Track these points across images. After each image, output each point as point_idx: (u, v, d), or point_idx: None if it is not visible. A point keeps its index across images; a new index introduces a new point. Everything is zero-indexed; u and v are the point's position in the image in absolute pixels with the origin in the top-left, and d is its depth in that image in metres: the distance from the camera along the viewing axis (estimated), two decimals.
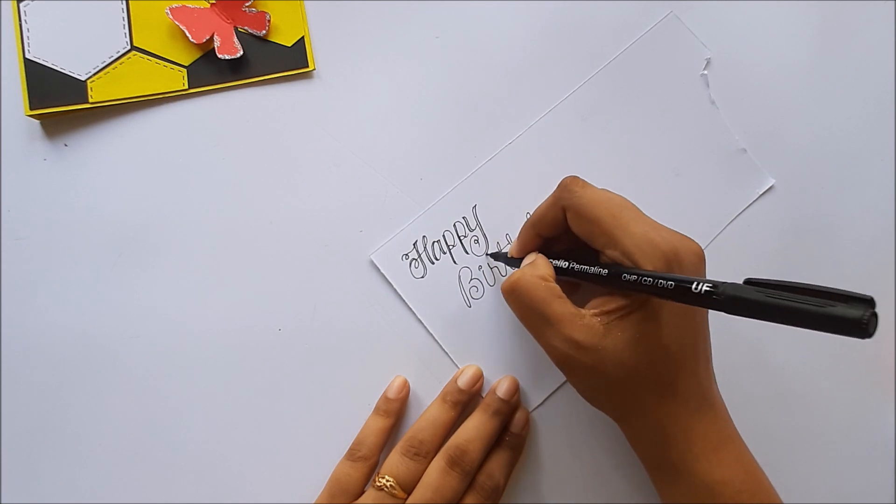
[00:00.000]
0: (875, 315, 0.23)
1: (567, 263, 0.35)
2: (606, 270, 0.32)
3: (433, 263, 0.40)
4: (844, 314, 0.23)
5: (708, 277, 0.32)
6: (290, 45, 0.40)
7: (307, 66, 0.40)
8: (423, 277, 0.40)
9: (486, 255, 0.40)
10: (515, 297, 0.34)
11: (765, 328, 0.42)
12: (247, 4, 0.40)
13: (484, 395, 0.39)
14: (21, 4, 0.38)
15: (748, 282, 0.27)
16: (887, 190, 0.44)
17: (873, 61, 0.45)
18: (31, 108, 0.37)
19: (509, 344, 0.40)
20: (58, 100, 0.38)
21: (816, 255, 0.43)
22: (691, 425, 0.32)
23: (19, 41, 0.38)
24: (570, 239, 0.35)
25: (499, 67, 0.42)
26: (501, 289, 0.35)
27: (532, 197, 0.41)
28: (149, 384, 0.38)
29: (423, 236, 0.40)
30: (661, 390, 0.32)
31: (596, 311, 0.32)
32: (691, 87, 0.43)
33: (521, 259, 0.37)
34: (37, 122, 0.38)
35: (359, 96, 0.41)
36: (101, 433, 0.37)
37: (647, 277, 0.30)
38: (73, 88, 0.38)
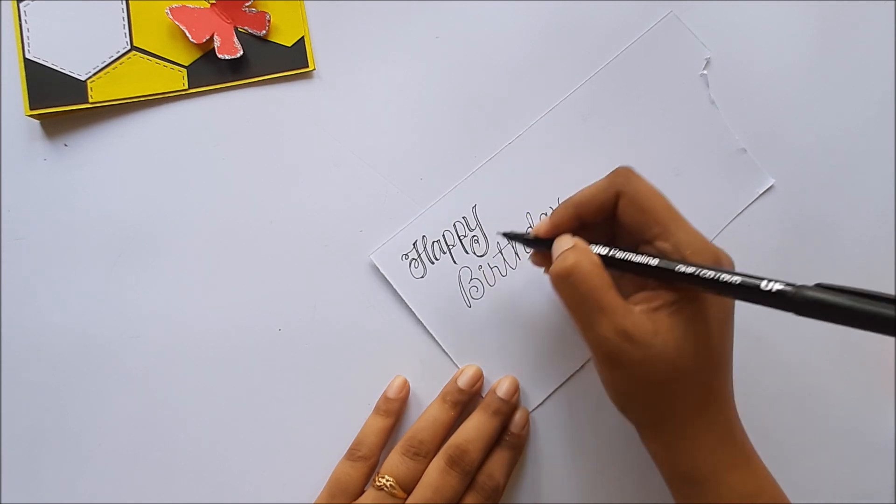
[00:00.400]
0: None
1: (608, 250, 0.32)
2: (656, 261, 0.31)
3: (433, 263, 0.40)
4: None
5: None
6: (290, 45, 0.40)
7: (307, 66, 0.40)
8: (422, 277, 0.40)
9: (499, 233, 0.38)
10: (570, 282, 0.31)
11: (763, 329, 0.42)
12: (247, 4, 0.40)
13: (484, 395, 0.39)
14: (21, 4, 0.38)
15: (819, 285, 0.26)
16: (887, 190, 0.44)
17: (873, 61, 0.45)
18: (31, 108, 0.37)
19: (509, 344, 0.40)
20: (58, 100, 0.38)
21: (816, 254, 0.43)
22: (726, 437, 0.31)
23: (19, 41, 0.38)
24: (602, 232, 0.34)
25: (499, 67, 0.42)
26: (552, 273, 0.32)
27: (532, 197, 0.41)
28: (148, 384, 0.38)
29: (423, 236, 0.40)
30: (701, 396, 0.31)
31: (643, 306, 0.31)
32: (691, 86, 0.43)
33: (547, 241, 0.34)
34: (37, 122, 0.38)
35: (359, 96, 0.41)
36: (100, 433, 0.37)
37: (708, 270, 0.29)
38: (73, 88, 0.38)
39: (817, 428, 0.42)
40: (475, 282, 0.40)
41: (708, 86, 0.43)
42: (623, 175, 0.33)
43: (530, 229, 0.41)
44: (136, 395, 0.37)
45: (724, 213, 0.43)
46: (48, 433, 0.37)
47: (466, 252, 0.40)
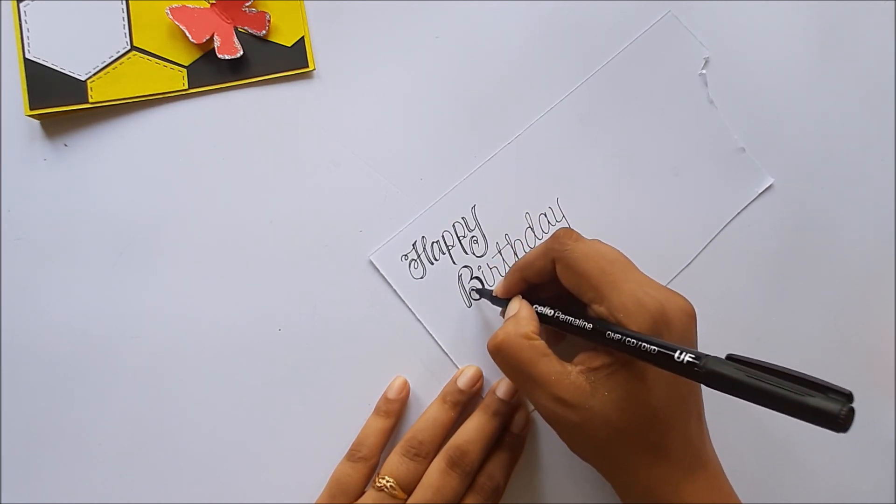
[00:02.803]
0: (852, 410, 0.23)
1: (552, 312, 0.34)
2: (591, 325, 0.32)
3: (432, 264, 0.40)
4: (821, 406, 0.23)
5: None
6: (290, 45, 0.40)
7: (307, 66, 0.40)
8: (422, 278, 0.40)
9: (472, 290, 0.40)
10: (501, 357, 0.33)
11: (764, 329, 0.42)
12: (247, 4, 0.40)
13: (484, 395, 0.39)
14: (21, 4, 0.38)
15: (731, 357, 0.27)
16: (887, 190, 0.44)
17: (873, 61, 0.45)
18: (31, 108, 0.37)
19: None
20: (58, 100, 0.38)
21: (815, 254, 0.43)
22: (682, 487, 0.31)
23: (19, 41, 0.38)
24: (558, 286, 0.35)
25: (498, 67, 0.42)
26: (487, 347, 0.34)
27: (531, 197, 0.41)
28: (148, 384, 0.38)
29: (423, 237, 0.40)
30: (650, 452, 0.31)
31: (582, 367, 0.32)
32: (690, 86, 0.43)
33: (506, 300, 0.37)
34: (37, 122, 0.38)
35: (359, 96, 0.41)
36: (101, 433, 0.37)
37: (631, 339, 0.30)
38: (73, 88, 0.38)
39: (817, 428, 0.42)
40: (475, 282, 0.40)
41: (706, 85, 0.43)
42: (559, 240, 0.34)
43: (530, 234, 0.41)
44: (137, 395, 0.37)
45: (722, 212, 0.43)
46: (48, 433, 0.37)
47: (466, 252, 0.40)
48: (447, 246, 0.40)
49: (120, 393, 0.37)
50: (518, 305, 0.35)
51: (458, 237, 0.40)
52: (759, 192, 0.43)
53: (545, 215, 0.41)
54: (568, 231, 0.34)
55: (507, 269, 0.40)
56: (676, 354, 0.28)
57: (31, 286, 0.38)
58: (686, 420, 0.32)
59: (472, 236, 0.40)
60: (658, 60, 0.43)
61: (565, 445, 0.40)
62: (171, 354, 0.38)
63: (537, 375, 0.32)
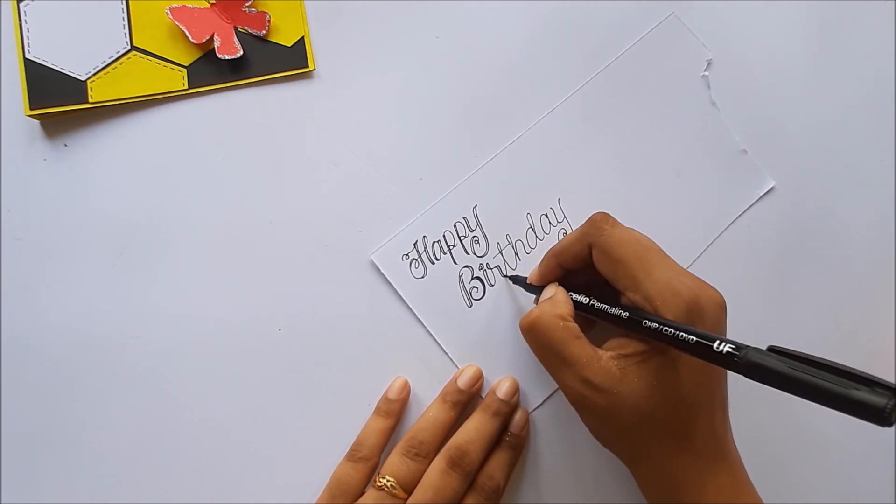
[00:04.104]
0: None
1: (587, 299, 0.34)
2: (627, 313, 0.32)
3: (433, 263, 0.40)
4: (867, 400, 0.23)
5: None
6: (290, 45, 0.40)
7: (307, 66, 0.40)
8: (423, 277, 0.40)
9: (506, 277, 0.40)
10: (534, 335, 0.34)
11: (763, 328, 0.42)
12: (247, 4, 0.40)
13: (484, 395, 0.39)
14: (21, 4, 0.38)
15: (772, 349, 0.27)
16: (887, 190, 0.44)
17: (873, 62, 0.45)
18: (31, 108, 0.37)
19: (509, 344, 0.40)
20: (58, 100, 0.38)
21: (817, 255, 0.43)
22: (705, 477, 0.32)
23: (19, 41, 0.38)
24: (593, 273, 0.35)
25: (499, 67, 0.42)
26: (520, 325, 0.35)
27: (533, 197, 0.41)
28: (149, 384, 0.38)
29: (424, 236, 0.40)
30: (675, 439, 0.31)
31: (613, 353, 0.32)
32: (692, 88, 0.43)
33: (541, 287, 0.37)
34: (37, 122, 0.38)
35: (359, 96, 0.41)
36: (101, 433, 0.37)
37: (669, 328, 0.29)
38: (73, 88, 0.38)
39: (817, 428, 0.42)
40: (475, 282, 0.40)
41: (709, 87, 0.43)
42: (596, 224, 0.34)
43: (531, 235, 0.41)
44: (137, 395, 0.37)
45: (724, 214, 0.43)
46: (48, 433, 0.37)
47: (467, 252, 0.40)
48: (448, 246, 0.40)
49: (120, 393, 0.37)
50: (554, 290, 0.36)
51: (460, 237, 0.40)
52: (761, 194, 0.43)
53: (546, 216, 0.41)
54: (605, 216, 0.34)
55: (508, 269, 0.40)
56: (716, 345, 0.28)
57: (31, 286, 0.38)
58: (712, 410, 0.32)
59: (474, 236, 0.40)
60: (661, 62, 0.43)
61: (565, 445, 0.40)
62: (171, 354, 0.38)
63: (568, 356, 0.32)
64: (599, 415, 0.32)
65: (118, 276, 0.38)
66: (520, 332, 0.39)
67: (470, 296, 0.40)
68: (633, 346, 0.32)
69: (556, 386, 0.40)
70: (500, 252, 0.40)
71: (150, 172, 0.39)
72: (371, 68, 0.41)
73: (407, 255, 0.40)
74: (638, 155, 0.42)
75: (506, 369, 0.39)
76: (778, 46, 0.44)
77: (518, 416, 0.38)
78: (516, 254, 0.40)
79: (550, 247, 0.37)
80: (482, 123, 0.41)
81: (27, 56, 0.38)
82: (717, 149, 0.43)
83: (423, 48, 0.42)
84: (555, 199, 0.41)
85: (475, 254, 0.40)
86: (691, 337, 0.29)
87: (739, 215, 0.43)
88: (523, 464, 0.39)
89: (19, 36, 0.38)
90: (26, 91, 0.37)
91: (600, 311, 0.33)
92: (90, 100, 0.38)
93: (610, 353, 0.32)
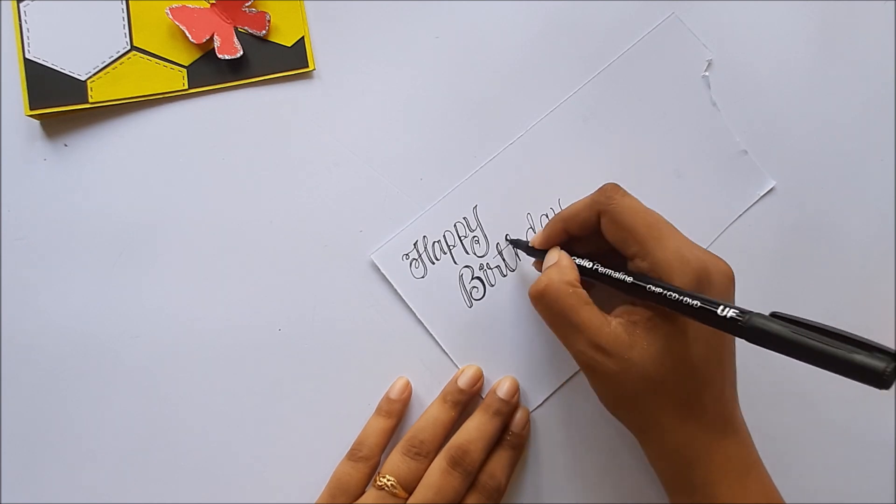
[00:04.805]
0: None
1: (591, 264, 0.34)
2: (631, 278, 0.32)
3: (433, 263, 0.40)
4: (866, 363, 0.23)
5: (736, 298, 0.32)
6: (290, 45, 0.40)
7: (307, 66, 0.40)
8: (423, 277, 0.40)
9: (507, 238, 0.40)
10: (544, 303, 0.34)
11: None
12: (247, 4, 0.40)
13: (484, 395, 0.39)
14: (21, 4, 0.38)
15: (774, 314, 0.27)
16: (887, 191, 0.44)
17: (874, 62, 0.45)
18: (31, 108, 0.37)
19: (510, 344, 0.40)
20: (58, 100, 0.38)
21: (817, 256, 0.43)
22: (715, 448, 0.32)
23: (19, 41, 0.38)
24: (594, 243, 0.35)
25: (500, 68, 0.42)
26: (529, 294, 0.34)
27: (533, 198, 0.41)
28: (148, 384, 0.38)
29: (424, 236, 0.40)
30: (685, 409, 0.31)
31: (622, 319, 0.32)
32: (693, 88, 0.43)
33: (542, 251, 0.37)
34: (37, 122, 0.38)
35: (359, 96, 0.41)
36: (100, 433, 0.37)
37: (673, 292, 0.30)
38: (73, 88, 0.38)
39: (817, 428, 0.42)
40: (476, 282, 0.40)
41: (709, 87, 0.43)
42: (606, 193, 0.34)
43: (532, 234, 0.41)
44: (137, 395, 0.37)
45: (724, 214, 0.43)
46: (48, 433, 0.37)
47: (467, 252, 0.40)
48: (448, 246, 0.40)
49: (119, 393, 0.37)
50: (558, 255, 0.35)
51: (460, 237, 0.40)
52: (761, 194, 0.43)
53: (546, 216, 0.41)
54: (615, 186, 0.34)
55: (508, 269, 0.40)
56: (720, 309, 0.28)
57: (31, 286, 0.38)
58: (722, 381, 0.32)
59: (474, 236, 0.40)
60: (661, 62, 0.43)
61: (565, 445, 0.40)
62: (170, 354, 0.38)
63: (579, 322, 0.32)
64: (610, 380, 0.32)
65: (118, 276, 0.38)
66: (518, 330, 0.39)
67: (470, 296, 0.40)
68: (639, 312, 0.32)
69: (557, 385, 0.40)
70: (500, 252, 0.40)
71: (149, 172, 0.39)
72: (371, 68, 0.41)
73: (407, 255, 0.40)
74: (638, 155, 0.42)
75: (506, 369, 0.39)
76: (778, 47, 0.44)
77: (519, 416, 0.38)
78: (516, 254, 0.40)
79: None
80: (482, 123, 0.41)
81: (27, 56, 0.38)
82: (718, 149, 0.43)
83: (423, 48, 0.42)
84: (555, 200, 0.41)
85: (475, 254, 0.40)
86: (695, 301, 0.29)
87: (740, 215, 0.43)
88: (524, 463, 0.39)
89: (19, 36, 0.38)
90: (26, 91, 0.37)
91: (604, 275, 0.33)
92: (90, 100, 0.38)
93: (618, 320, 0.32)
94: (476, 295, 0.40)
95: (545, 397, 0.40)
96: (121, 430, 0.37)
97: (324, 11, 0.41)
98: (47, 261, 0.38)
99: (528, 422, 0.39)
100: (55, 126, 0.39)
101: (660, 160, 0.42)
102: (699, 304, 0.29)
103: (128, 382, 0.37)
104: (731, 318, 0.27)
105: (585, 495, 0.40)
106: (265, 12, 0.40)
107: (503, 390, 0.38)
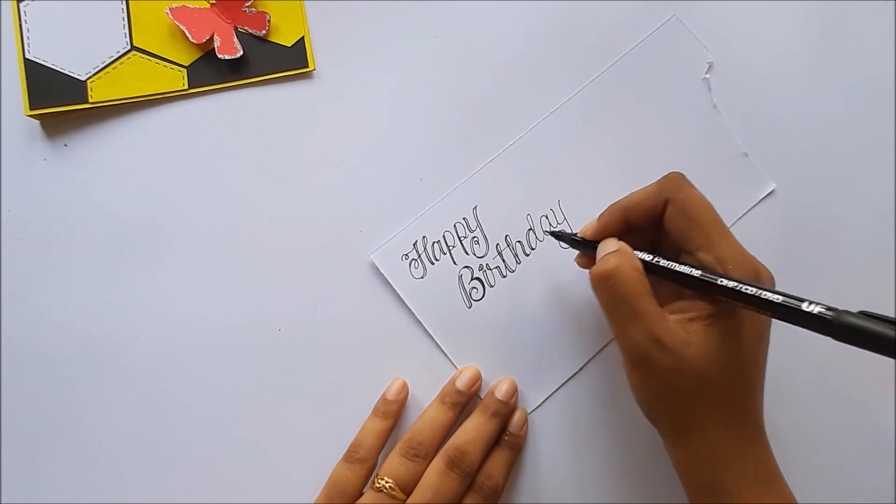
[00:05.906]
0: None
1: (651, 257, 0.33)
2: (699, 272, 0.31)
3: (433, 264, 0.40)
4: None
5: None
6: (290, 45, 0.40)
7: (307, 66, 0.40)
8: (422, 278, 0.40)
9: (547, 233, 0.39)
10: (609, 285, 0.32)
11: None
12: (247, 4, 0.40)
13: (482, 396, 0.39)
14: (21, 4, 0.38)
15: (864, 313, 0.26)
16: (887, 192, 0.44)
17: (874, 63, 0.45)
18: (31, 108, 0.37)
19: (508, 345, 0.40)
20: (58, 100, 0.38)
21: (817, 258, 0.43)
22: (749, 453, 0.31)
23: (19, 41, 0.38)
24: (647, 237, 0.34)
25: (500, 68, 0.42)
26: (593, 274, 0.33)
27: (533, 198, 0.41)
28: (149, 384, 0.38)
29: (424, 237, 0.40)
30: (729, 411, 0.31)
31: (678, 316, 0.31)
32: (693, 90, 0.43)
33: (593, 242, 0.35)
34: (37, 122, 0.38)
35: (359, 96, 0.41)
36: (101, 433, 0.37)
37: (750, 286, 0.28)
38: (73, 88, 0.38)
39: (817, 428, 0.42)
40: (475, 283, 0.40)
41: (710, 90, 0.43)
42: (674, 182, 0.33)
43: (532, 235, 0.41)
44: (137, 395, 0.37)
45: (725, 216, 0.42)
46: (48, 433, 0.37)
47: (467, 253, 0.40)
48: (448, 246, 0.40)
49: (120, 393, 0.37)
50: (617, 244, 0.33)
51: (460, 237, 0.40)
52: (762, 197, 0.43)
53: (546, 217, 0.41)
54: (681, 175, 0.33)
55: (508, 270, 0.40)
56: (805, 305, 0.26)
57: (31, 286, 0.38)
58: (762, 384, 0.32)
59: (474, 237, 0.40)
60: (662, 64, 0.43)
61: (564, 445, 0.40)
62: (171, 354, 0.38)
63: (643, 310, 0.31)
64: (661, 376, 0.31)
65: (118, 276, 0.38)
66: (517, 331, 0.39)
67: (469, 296, 0.40)
68: (698, 309, 0.31)
69: (555, 387, 0.40)
70: (500, 253, 0.40)
71: (150, 172, 0.39)
72: (371, 68, 0.41)
73: (407, 255, 0.40)
74: (638, 157, 0.42)
75: (504, 370, 0.39)
76: (779, 48, 0.44)
77: (517, 416, 0.38)
78: (515, 255, 0.40)
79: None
80: (483, 124, 0.41)
81: (27, 56, 0.38)
82: (718, 151, 0.43)
83: (423, 48, 0.42)
84: (555, 201, 0.41)
85: (475, 254, 0.40)
86: (777, 296, 0.27)
87: (740, 217, 0.43)
88: (522, 465, 0.39)
89: (19, 36, 0.38)
90: (26, 91, 0.37)
91: (665, 269, 0.32)
92: (90, 100, 0.38)
93: (675, 317, 0.31)
94: (475, 296, 0.40)
95: (543, 399, 0.40)
96: (121, 429, 0.37)
97: (324, 11, 0.41)
98: (47, 261, 0.38)
99: (526, 423, 0.39)
100: (55, 126, 0.39)
101: (660, 162, 0.42)
102: (781, 298, 0.27)
103: (128, 382, 0.38)
104: (819, 314, 0.26)
105: (583, 496, 0.40)
106: (265, 12, 0.40)
107: (501, 391, 0.38)
